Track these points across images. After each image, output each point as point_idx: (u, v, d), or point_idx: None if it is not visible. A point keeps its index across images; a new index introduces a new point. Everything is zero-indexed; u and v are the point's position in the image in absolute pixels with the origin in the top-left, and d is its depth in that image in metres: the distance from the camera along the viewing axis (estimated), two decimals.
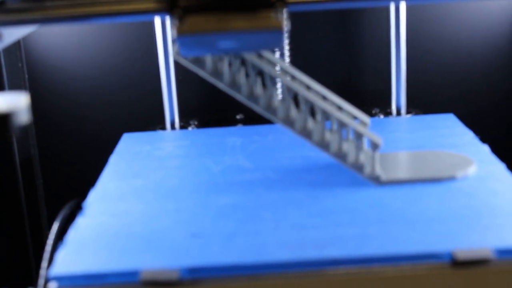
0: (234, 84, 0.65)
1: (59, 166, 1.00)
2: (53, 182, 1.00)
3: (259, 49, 0.63)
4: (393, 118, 0.90)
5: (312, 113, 0.66)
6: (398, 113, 0.91)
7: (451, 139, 0.78)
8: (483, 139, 0.76)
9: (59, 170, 1.00)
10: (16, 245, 0.97)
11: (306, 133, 0.65)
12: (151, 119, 0.96)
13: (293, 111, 0.66)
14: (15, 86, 0.93)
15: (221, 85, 0.66)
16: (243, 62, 0.66)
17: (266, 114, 0.66)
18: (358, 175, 0.66)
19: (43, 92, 0.98)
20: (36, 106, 0.97)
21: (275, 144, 0.80)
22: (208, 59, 0.65)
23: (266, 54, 0.67)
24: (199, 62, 0.65)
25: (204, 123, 0.95)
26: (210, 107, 0.98)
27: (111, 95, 0.98)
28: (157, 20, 0.89)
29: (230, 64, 0.66)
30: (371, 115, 0.93)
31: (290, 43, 0.93)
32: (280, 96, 0.80)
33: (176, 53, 0.65)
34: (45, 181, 0.99)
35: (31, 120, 0.97)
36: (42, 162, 0.99)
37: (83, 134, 0.99)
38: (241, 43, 0.56)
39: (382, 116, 0.93)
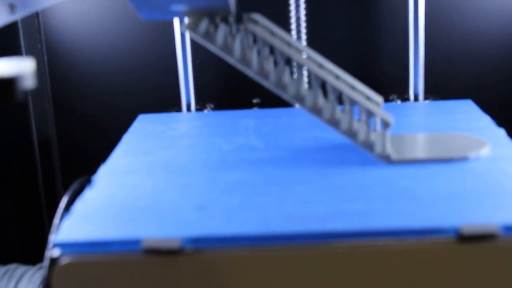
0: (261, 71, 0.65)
1: (77, 148, 1.01)
2: (70, 164, 1.00)
3: (209, 11, 0.63)
4: (410, 103, 0.89)
5: (325, 91, 0.66)
6: (416, 99, 0.90)
7: (467, 123, 0.76)
8: (501, 125, 0.75)
9: (76, 152, 1.01)
10: (34, 226, 0.98)
11: (316, 110, 0.65)
12: (169, 102, 0.96)
13: (304, 88, 0.65)
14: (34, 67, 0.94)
15: (248, 72, 0.65)
16: (272, 51, 0.65)
17: (276, 90, 0.65)
18: (369, 154, 0.65)
19: (61, 74, 0.98)
20: (54, 88, 0.98)
21: (289, 126, 0.79)
22: (237, 46, 0.64)
23: (279, 31, 0.67)
24: (227, 48, 0.64)
25: (220, 107, 0.95)
26: (227, 91, 0.97)
27: (129, 78, 0.98)
28: None
29: (259, 52, 0.65)
30: (388, 101, 0.92)
31: (308, 28, 0.92)
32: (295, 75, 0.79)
33: (184, 28, 0.65)
34: (63, 163, 1.00)
35: (50, 102, 0.98)
36: (60, 144, 1.00)
37: (101, 117, 0.99)
38: (190, 4, 0.57)
39: (399, 102, 0.92)
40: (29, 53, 0.93)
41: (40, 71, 0.96)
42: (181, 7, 0.59)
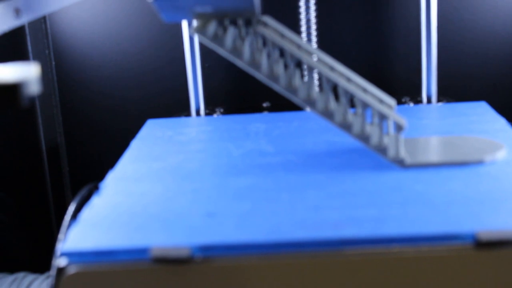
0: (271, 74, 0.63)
1: (85, 153, 1.00)
2: (79, 170, 0.99)
3: (234, 13, 0.62)
4: (423, 106, 0.87)
5: (336, 94, 0.64)
6: (429, 101, 0.89)
7: (482, 125, 0.75)
8: None
9: (85, 158, 1.00)
10: (42, 233, 0.97)
11: (328, 114, 0.64)
12: (178, 107, 0.95)
13: (315, 91, 0.64)
14: (42, 72, 0.93)
15: (258, 75, 0.64)
16: (282, 53, 0.64)
17: (287, 94, 0.64)
18: (383, 159, 0.64)
19: (70, 80, 0.97)
20: (62, 94, 0.97)
21: (300, 130, 0.78)
22: (246, 49, 0.63)
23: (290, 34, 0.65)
24: (236, 51, 0.63)
25: (230, 111, 0.94)
26: (236, 95, 0.96)
27: (137, 83, 0.97)
28: None
29: (269, 55, 0.64)
30: (400, 103, 0.91)
31: (318, 31, 0.91)
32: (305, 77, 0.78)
33: (193, 31, 0.63)
34: (71, 169, 0.99)
35: (58, 108, 0.97)
36: (69, 150, 0.99)
37: (109, 122, 0.99)
38: (215, 5, 0.56)
39: (412, 104, 0.90)
40: (37, 58, 0.93)
41: (47, 77, 0.95)
42: (206, 9, 0.58)
